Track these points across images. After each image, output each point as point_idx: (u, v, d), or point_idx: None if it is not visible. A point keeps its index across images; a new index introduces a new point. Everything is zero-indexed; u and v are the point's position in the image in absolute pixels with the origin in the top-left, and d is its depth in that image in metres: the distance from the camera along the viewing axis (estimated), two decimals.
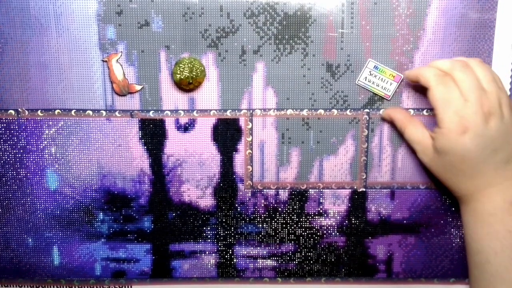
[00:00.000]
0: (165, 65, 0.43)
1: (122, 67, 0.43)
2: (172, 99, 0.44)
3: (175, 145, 0.45)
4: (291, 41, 0.43)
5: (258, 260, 0.47)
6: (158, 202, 0.46)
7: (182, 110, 0.44)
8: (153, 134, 0.44)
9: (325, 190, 0.46)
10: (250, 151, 0.45)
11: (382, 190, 0.46)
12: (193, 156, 0.45)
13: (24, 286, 0.48)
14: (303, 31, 0.42)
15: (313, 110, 0.44)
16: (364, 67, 0.43)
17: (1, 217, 0.46)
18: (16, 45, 0.42)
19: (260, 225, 0.47)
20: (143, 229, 0.46)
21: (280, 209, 0.46)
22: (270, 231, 0.47)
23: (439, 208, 0.46)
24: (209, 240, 0.47)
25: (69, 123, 0.44)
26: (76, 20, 0.42)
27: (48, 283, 0.48)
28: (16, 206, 0.46)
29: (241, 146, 0.45)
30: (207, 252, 0.47)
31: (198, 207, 0.46)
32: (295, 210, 0.46)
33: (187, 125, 0.44)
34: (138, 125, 0.44)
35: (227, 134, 0.44)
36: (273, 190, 0.46)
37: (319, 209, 0.46)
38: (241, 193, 0.46)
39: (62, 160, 0.45)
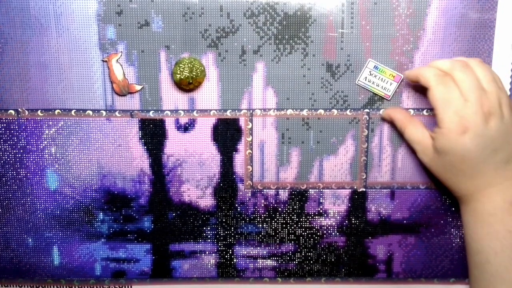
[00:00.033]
0: (165, 65, 0.43)
1: (122, 67, 0.43)
2: (172, 99, 0.44)
3: (175, 145, 0.45)
4: (291, 41, 0.43)
5: (258, 260, 0.47)
6: (158, 202, 0.46)
7: (182, 110, 0.44)
8: (153, 134, 0.44)
9: (325, 190, 0.46)
10: (250, 151, 0.45)
11: (382, 190, 0.46)
12: (193, 156, 0.45)
13: (24, 286, 0.48)
14: (303, 31, 0.42)
15: (313, 110, 0.44)
16: (364, 67, 0.43)
17: (1, 217, 0.46)
18: (16, 45, 0.42)
19: (260, 225, 0.47)
20: (143, 229, 0.46)
21: (280, 209, 0.46)
22: (270, 231, 0.47)
23: (439, 208, 0.46)
24: (209, 240, 0.47)
25: (69, 123, 0.44)
26: (76, 20, 0.42)
27: (48, 283, 0.48)
28: (16, 206, 0.46)
29: (241, 146, 0.45)
30: (207, 252, 0.47)
31: (198, 207, 0.46)
32: (295, 210, 0.46)
33: (187, 125, 0.44)
34: (138, 125, 0.44)
35: (227, 134, 0.44)
36: (273, 190, 0.46)
37: (319, 209, 0.46)
38: (241, 193, 0.46)
39: (62, 160, 0.45)
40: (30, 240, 0.46)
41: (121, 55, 0.42)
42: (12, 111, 0.44)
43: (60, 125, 0.44)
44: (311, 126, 0.44)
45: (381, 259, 0.47)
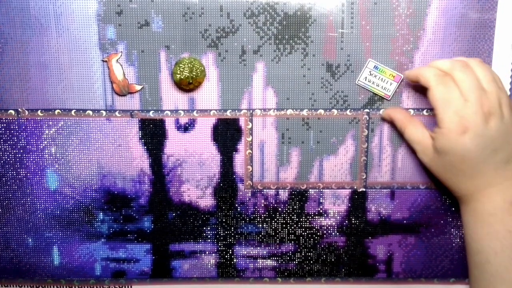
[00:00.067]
0: (165, 65, 0.43)
1: (122, 67, 0.43)
2: (172, 99, 0.44)
3: (175, 145, 0.45)
4: (291, 41, 0.43)
5: (258, 260, 0.47)
6: (158, 202, 0.46)
7: (182, 110, 0.44)
8: (153, 134, 0.44)
9: (325, 190, 0.46)
10: (250, 151, 0.45)
11: (382, 190, 0.46)
12: (193, 156, 0.45)
13: (24, 286, 0.48)
14: (303, 31, 0.42)
15: (313, 110, 0.44)
16: (364, 67, 0.43)
17: (1, 217, 0.46)
18: (16, 45, 0.42)
19: (260, 225, 0.47)
20: (143, 229, 0.46)
21: (280, 209, 0.46)
22: (270, 231, 0.47)
23: (439, 208, 0.46)
24: (209, 240, 0.47)
25: (69, 123, 0.44)
26: (76, 20, 0.42)
27: (48, 283, 0.48)
28: (16, 206, 0.46)
29: (241, 146, 0.45)
30: (207, 252, 0.47)
31: (198, 207, 0.46)
32: (295, 210, 0.46)
33: (187, 125, 0.44)
34: (138, 125, 0.44)
35: (227, 134, 0.44)
36: (273, 190, 0.46)
37: (319, 209, 0.46)
38: (241, 193, 0.46)
39: (62, 160, 0.45)
40: (30, 240, 0.46)
41: (121, 55, 0.42)
42: (12, 111, 0.44)
43: (60, 125, 0.44)
44: (311, 126, 0.44)
45: (381, 259, 0.47)
